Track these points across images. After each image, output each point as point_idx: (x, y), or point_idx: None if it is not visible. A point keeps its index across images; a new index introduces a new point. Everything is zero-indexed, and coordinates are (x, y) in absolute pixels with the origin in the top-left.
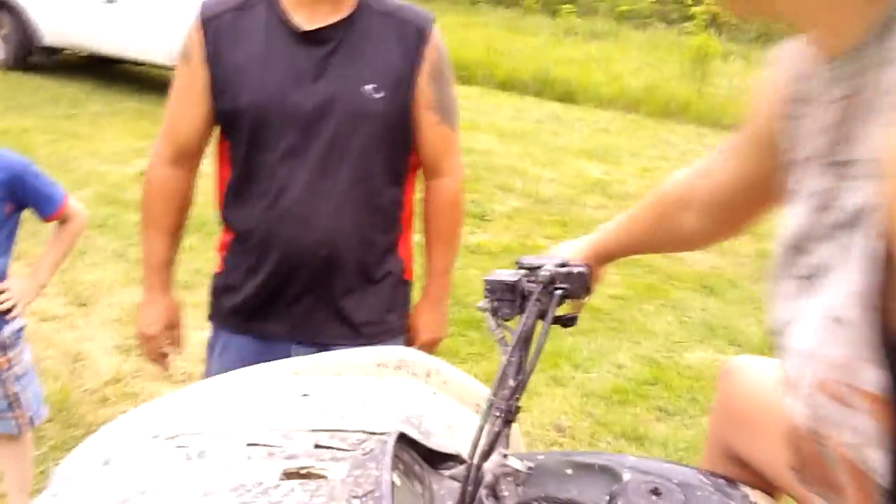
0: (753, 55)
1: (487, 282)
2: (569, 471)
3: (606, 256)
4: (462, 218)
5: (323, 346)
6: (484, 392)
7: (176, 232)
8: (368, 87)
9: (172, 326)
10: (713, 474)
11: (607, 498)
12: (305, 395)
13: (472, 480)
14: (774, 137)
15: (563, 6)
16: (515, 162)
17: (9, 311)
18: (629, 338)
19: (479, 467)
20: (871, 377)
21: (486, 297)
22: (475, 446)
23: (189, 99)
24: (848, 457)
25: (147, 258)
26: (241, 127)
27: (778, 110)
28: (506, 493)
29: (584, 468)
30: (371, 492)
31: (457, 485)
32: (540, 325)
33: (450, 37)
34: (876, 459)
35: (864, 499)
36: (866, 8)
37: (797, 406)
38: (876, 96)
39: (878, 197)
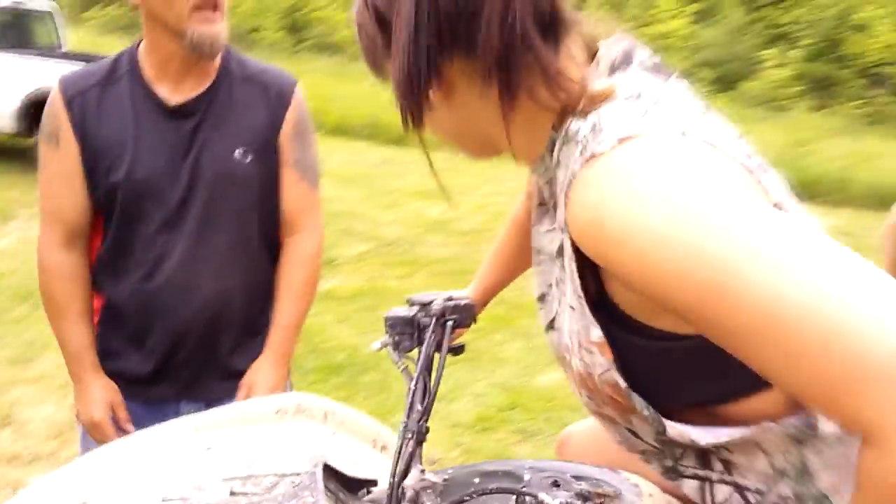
0: None
1: (387, 318)
2: (476, 479)
3: (490, 293)
4: (318, 274)
5: (213, 402)
6: (377, 427)
7: (86, 313)
8: (238, 152)
9: (116, 405)
10: (600, 466)
11: (514, 497)
12: (209, 448)
13: (395, 497)
14: None
15: None
16: (356, 206)
17: None
18: (485, 367)
19: (399, 485)
20: (596, 333)
21: (387, 332)
22: (395, 466)
23: (67, 181)
24: (606, 381)
25: (67, 347)
26: (114, 202)
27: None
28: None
29: (489, 475)
30: None
31: None
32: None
33: None
34: (616, 376)
35: (623, 401)
36: (543, 137)
37: (575, 363)
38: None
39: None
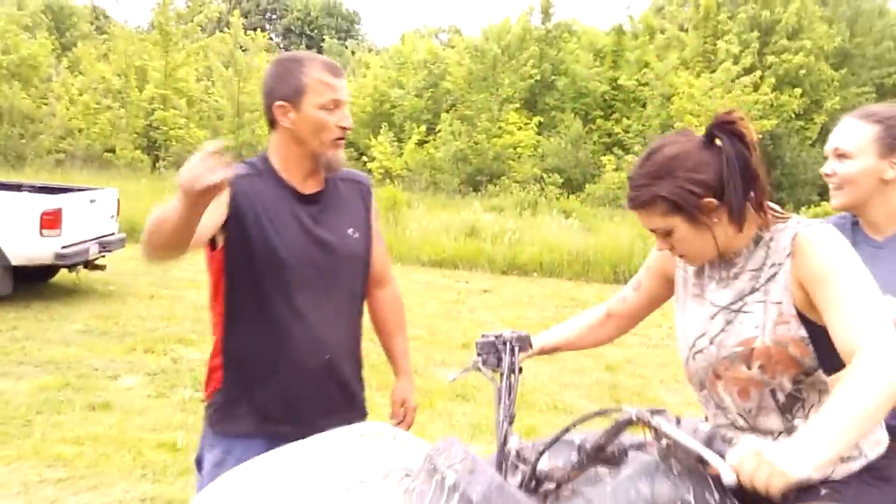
0: (427, 201)
1: (478, 344)
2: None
3: (548, 347)
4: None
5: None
6: (425, 446)
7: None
8: (350, 231)
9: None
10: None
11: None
12: (337, 456)
13: (503, 455)
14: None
15: None
16: None
17: None
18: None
19: (504, 446)
20: (792, 312)
21: (478, 353)
22: (499, 437)
23: (213, 210)
24: (793, 338)
25: (167, 209)
26: (255, 267)
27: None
28: (526, 456)
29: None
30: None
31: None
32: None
33: (149, 202)
34: (803, 331)
35: (800, 353)
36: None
37: (761, 343)
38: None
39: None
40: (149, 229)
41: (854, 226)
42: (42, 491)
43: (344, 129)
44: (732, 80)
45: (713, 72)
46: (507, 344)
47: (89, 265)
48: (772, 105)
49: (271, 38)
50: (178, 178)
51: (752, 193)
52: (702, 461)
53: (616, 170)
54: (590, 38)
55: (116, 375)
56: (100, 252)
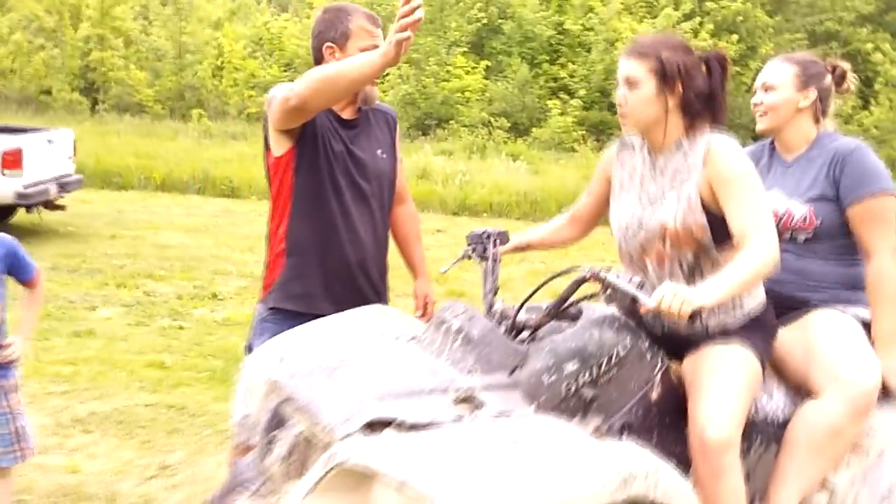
0: None
1: (469, 237)
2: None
3: (524, 244)
4: None
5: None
6: (417, 322)
7: None
8: (379, 151)
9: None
10: None
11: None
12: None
13: (490, 313)
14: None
15: (194, 110)
16: (215, 251)
17: (14, 361)
18: None
19: (491, 308)
20: (698, 202)
21: (468, 244)
22: (487, 303)
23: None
24: (696, 222)
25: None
26: (315, 172)
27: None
28: (508, 315)
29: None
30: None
31: None
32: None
33: (92, 145)
34: (703, 219)
35: (699, 236)
36: (677, 135)
37: (673, 224)
38: (683, 170)
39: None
40: (312, 85)
41: (771, 150)
42: (49, 401)
43: None
44: (673, 26)
45: (655, 17)
46: (491, 237)
47: (49, 205)
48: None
49: None
50: (390, 35)
51: (710, 113)
52: (635, 300)
53: (562, 114)
54: None
55: (94, 307)
56: (59, 193)
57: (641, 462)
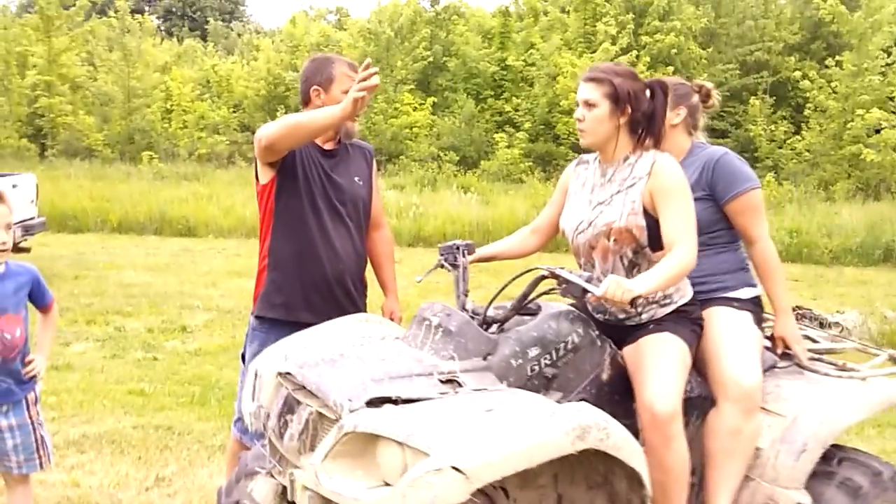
0: None
1: (441, 248)
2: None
3: (486, 255)
4: None
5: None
6: (400, 330)
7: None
8: (356, 179)
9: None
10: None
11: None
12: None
13: (462, 302)
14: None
15: (144, 153)
16: (179, 288)
17: (36, 375)
18: None
19: (464, 307)
20: (640, 207)
21: (440, 254)
22: (460, 303)
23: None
24: (636, 224)
25: (317, 115)
26: (295, 196)
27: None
28: (479, 312)
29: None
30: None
31: None
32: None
33: (45, 190)
34: (643, 220)
35: (638, 236)
36: (626, 151)
37: (618, 223)
38: (629, 179)
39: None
40: (280, 131)
41: None
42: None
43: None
44: (611, 60)
45: (594, 52)
46: (460, 249)
47: (14, 248)
48: None
49: (151, 20)
50: (350, 93)
51: (651, 131)
52: (585, 291)
53: (509, 147)
54: (478, 20)
55: (67, 343)
56: (23, 235)
57: (595, 419)
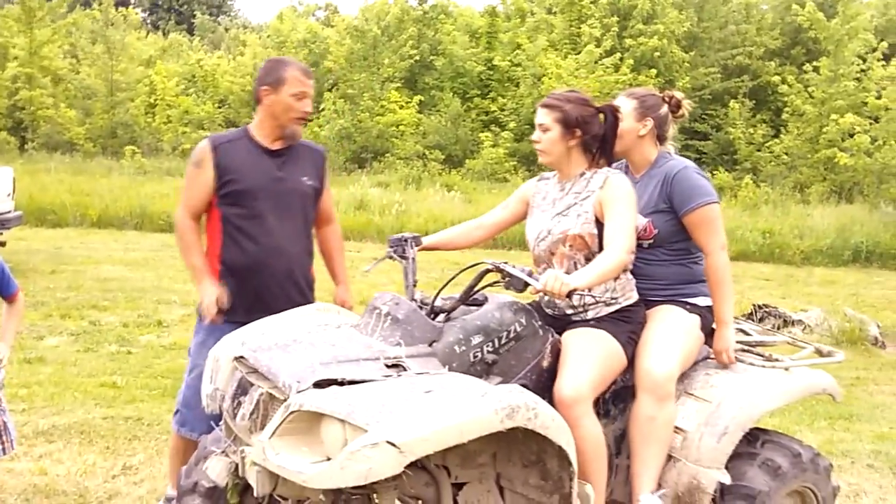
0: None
1: (390, 240)
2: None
3: (432, 244)
4: None
5: None
6: (354, 316)
7: (201, 249)
8: (304, 178)
9: (220, 297)
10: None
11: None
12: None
13: (412, 292)
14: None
15: (127, 147)
16: (156, 283)
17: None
18: None
19: (412, 298)
20: (593, 216)
21: (389, 246)
22: (409, 293)
23: (201, 188)
24: (589, 231)
25: (193, 266)
26: (238, 200)
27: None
28: (427, 302)
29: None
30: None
31: None
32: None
33: (24, 183)
34: (594, 228)
35: (591, 242)
36: (581, 168)
37: (573, 231)
38: (583, 192)
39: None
40: (178, 240)
41: (626, 169)
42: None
43: (306, 112)
44: (595, 62)
45: (578, 53)
46: (408, 241)
47: None
48: (630, 85)
49: (137, 13)
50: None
51: (603, 150)
52: (527, 284)
53: (494, 146)
54: (465, 19)
55: (41, 336)
56: None
57: (524, 399)
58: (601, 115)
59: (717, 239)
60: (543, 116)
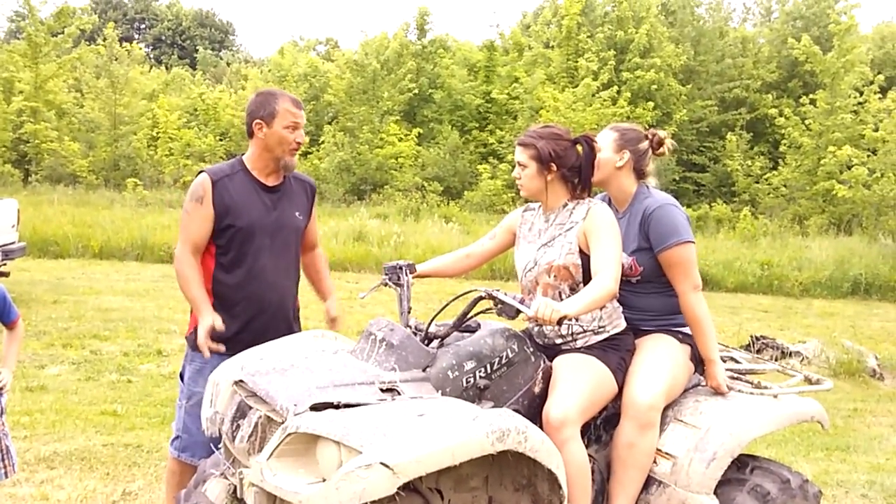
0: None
1: (385, 268)
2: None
3: (425, 272)
4: None
5: None
6: (351, 342)
7: (202, 283)
8: (297, 214)
9: (216, 323)
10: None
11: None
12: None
13: (406, 319)
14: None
15: (129, 180)
16: (157, 313)
17: (2, 388)
18: None
19: (407, 324)
20: (576, 247)
21: (385, 274)
22: (404, 320)
23: (202, 222)
24: (573, 262)
25: (194, 299)
26: (235, 237)
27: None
28: (421, 328)
29: (437, 325)
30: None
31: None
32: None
33: (27, 215)
34: (578, 259)
35: (574, 273)
36: (563, 199)
37: (558, 261)
38: (567, 223)
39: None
40: (179, 277)
41: (609, 202)
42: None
43: (299, 143)
44: (593, 95)
45: (576, 87)
46: (403, 268)
47: None
48: (628, 117)
49: (140, 48)
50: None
51: (581, 181)
52: (518, 311)
53: (492, 178)
54: (464, 53)
55: (43, 365)
56: (3, 260)
57: (515, 423)
58: (578, 147)
59: (689, 280)
60: (520, 154)
